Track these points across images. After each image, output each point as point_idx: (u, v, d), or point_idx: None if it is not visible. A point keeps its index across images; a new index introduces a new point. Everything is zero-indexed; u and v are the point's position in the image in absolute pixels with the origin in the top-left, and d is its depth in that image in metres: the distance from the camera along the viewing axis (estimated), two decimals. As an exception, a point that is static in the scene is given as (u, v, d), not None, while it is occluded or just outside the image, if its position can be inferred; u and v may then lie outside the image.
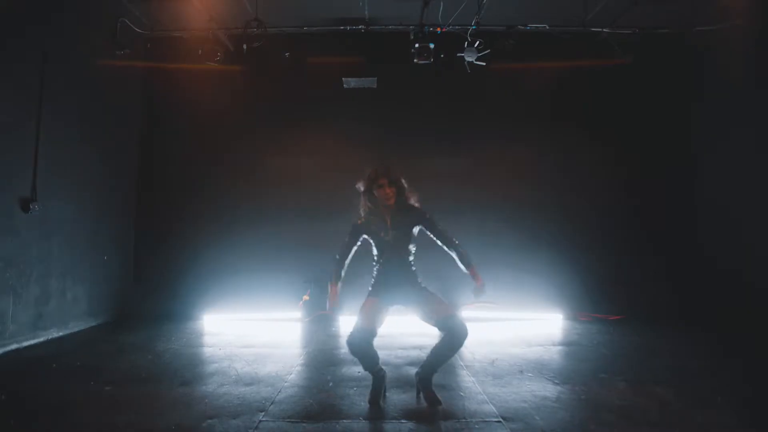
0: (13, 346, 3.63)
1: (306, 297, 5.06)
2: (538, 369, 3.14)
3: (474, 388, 2.72)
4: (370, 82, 5.30)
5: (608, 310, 5.11)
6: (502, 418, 2.27)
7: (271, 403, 2.47)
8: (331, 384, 2.82)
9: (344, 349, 2.99)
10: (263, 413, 2.33)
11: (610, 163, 5.40)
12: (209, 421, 2.24)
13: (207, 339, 4.19)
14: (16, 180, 3.72)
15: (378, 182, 2.57)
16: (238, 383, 2.83)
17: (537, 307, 5.17)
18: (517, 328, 4.63)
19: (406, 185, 2.65)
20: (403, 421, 2.23)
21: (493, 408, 2.39)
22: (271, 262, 5.21)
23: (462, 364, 3.28)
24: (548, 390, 2.70)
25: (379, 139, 5.35)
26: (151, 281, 5.22)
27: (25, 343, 3.75)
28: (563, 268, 5.27)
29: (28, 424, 2.19)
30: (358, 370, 2.89)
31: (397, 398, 2.55)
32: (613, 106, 5.45)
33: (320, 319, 4.98)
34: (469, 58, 5.09)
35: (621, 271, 5.27)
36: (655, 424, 2.19)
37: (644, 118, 5.44)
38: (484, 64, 5.04)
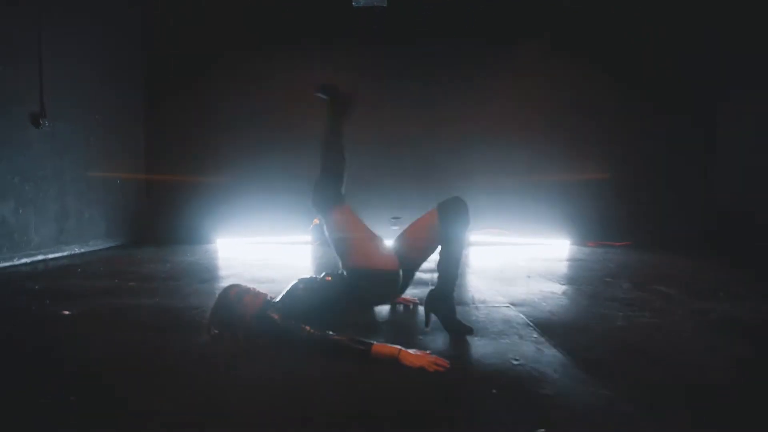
0: (39, 257, 3.80)
1: (316, 221, 5.14)
2: (545, 276, 3.22)
3: (483, 286, 2.82)
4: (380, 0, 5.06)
5: (616, 238, 5.15)
6: (512, 304, 2.36)
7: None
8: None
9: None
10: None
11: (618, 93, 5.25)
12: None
13: (221, 254, 4.35)
14: (25, 97, 3.72)
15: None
16: (252, 281, 2.95)
17: (545, 233, 5.23)
18: (525, 250, 4.71)
19: None
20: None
21: (503, 298, 2.49)
22: (282, 186, 5.25)
23: (469, 271, 3.38)
24: (554, 288, 2.78)
25: (387, 62, 5.24)
26: (164, 205, 5.33)
27: (50, 255, 3.92)
28: (572, 197, 5.26)
29: (66, 305, 2.33)
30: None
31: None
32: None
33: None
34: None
35: (630, 200, 5.25)
36: (656, 310, 2.27)
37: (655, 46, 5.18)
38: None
